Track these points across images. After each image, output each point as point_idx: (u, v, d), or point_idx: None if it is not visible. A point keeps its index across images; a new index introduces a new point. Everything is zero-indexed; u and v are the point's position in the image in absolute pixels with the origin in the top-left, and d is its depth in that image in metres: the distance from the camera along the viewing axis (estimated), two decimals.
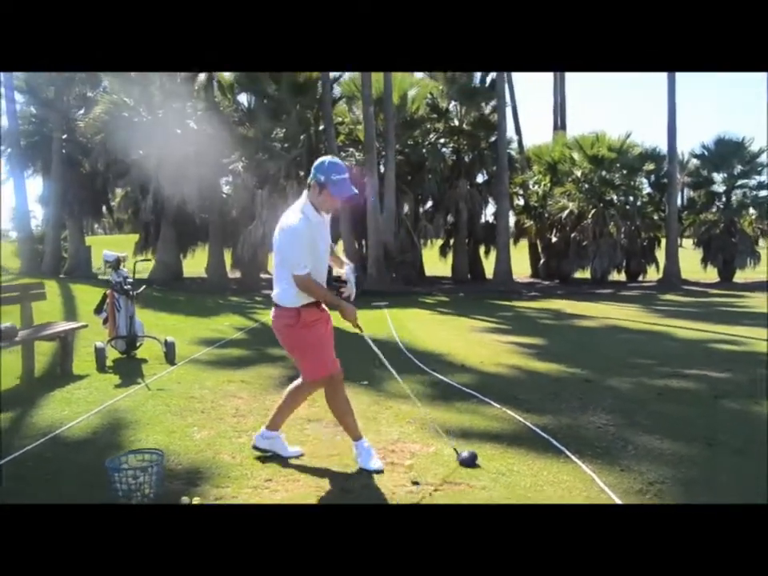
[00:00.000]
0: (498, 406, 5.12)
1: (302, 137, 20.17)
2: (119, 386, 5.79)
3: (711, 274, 22.32)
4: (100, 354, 6.50)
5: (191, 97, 19.73)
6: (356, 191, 3.61)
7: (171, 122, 18.46)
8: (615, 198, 22.52)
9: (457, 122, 22.79)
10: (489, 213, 23.71)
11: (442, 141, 23.05)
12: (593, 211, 21.68)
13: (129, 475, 3.14)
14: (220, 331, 9.59)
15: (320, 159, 3.58)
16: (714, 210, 23.01)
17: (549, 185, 23.33)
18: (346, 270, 3.82)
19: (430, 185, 21.41)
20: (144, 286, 7.62)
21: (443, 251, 24.52)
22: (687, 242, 25.50)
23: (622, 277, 23.15)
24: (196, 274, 21.95)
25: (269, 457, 3.88)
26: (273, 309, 3.71)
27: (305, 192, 3.62)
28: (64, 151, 19.34)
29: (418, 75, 22.63)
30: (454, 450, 3.93)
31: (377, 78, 19.27)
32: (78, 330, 6.52)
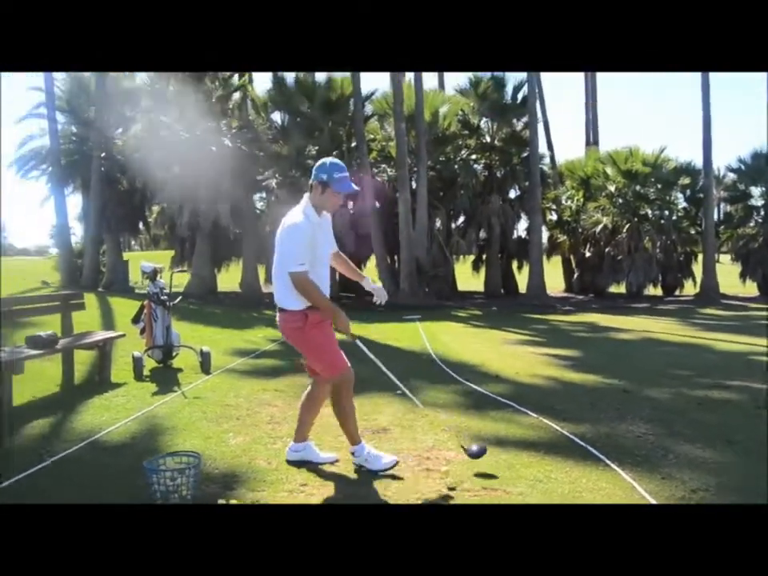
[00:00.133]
0: (535, 415, 5.06)
1: (334, 153, 20.33)
2: (156, 393, 5.86)
3: (750, 289, 21.82)
4: (137, 363, 6.59)
5: (226, 115, 20.05)
6: (357, 188, 3.77)
7: (207, 140, 18.74)
8: (650, 212, 22.18)
9: (488, 138, 22.73)
10: (521, 228, 23.53)
11: (473, 157, 22.98)
12: (627, 226, 21.39)
13: (167, 476, 3.16)
14: (254, 342, 9.65)
15: (320, 161, 3.68)
16: (752, 224, 22.58)
17: (582, 200, 23.12)
18: (366, 280, 4.02)
19: (462, 200, 21.33)
20: (180, 297, 7.72)
21: (476, 266, 24.36)
22: (724, 258, 25.03)
23: (658, 291, 22.71)
24: (230, 288, 22.14)
25: (304, 462, 3.88)
26: (277, 313, 3.66)
27: (306, 194, 3.68)
28: (103, 169, 19.71)
29: (449, 92, 22.70)
30: (461, 447, 3.90)
31: (408, 94, 19.38)
32: (116, 339, 6.62)
